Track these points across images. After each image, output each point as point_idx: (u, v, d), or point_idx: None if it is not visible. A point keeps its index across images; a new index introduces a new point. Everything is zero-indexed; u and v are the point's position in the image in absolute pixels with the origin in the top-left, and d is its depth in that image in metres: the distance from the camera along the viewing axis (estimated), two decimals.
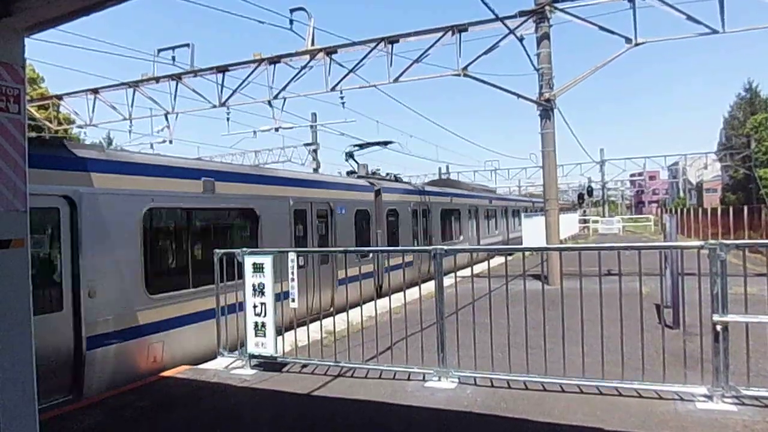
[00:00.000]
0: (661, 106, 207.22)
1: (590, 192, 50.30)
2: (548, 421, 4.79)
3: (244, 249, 7.07)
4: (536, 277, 11.21)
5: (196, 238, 8.41)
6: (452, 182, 27.07)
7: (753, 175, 43.93)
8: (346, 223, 12.37)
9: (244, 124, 36.33)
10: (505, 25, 12.61)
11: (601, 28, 13.16)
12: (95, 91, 17.94)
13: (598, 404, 5.12)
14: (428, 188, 18.82)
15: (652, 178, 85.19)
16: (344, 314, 7.02)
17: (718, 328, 4.95)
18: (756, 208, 22.48)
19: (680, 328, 6.80)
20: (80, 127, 21.42)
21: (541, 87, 13.81)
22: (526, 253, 7.38)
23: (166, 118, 17.76)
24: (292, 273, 6.90)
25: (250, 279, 6.86)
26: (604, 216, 51.47)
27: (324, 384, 6.18)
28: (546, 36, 13.62)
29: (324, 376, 6.45)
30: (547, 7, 13.22)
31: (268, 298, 6.76)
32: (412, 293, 7.54)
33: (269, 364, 6.90)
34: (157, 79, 16.82)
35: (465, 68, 13.28)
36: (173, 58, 16.05)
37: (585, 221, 47.75)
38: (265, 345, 6.81)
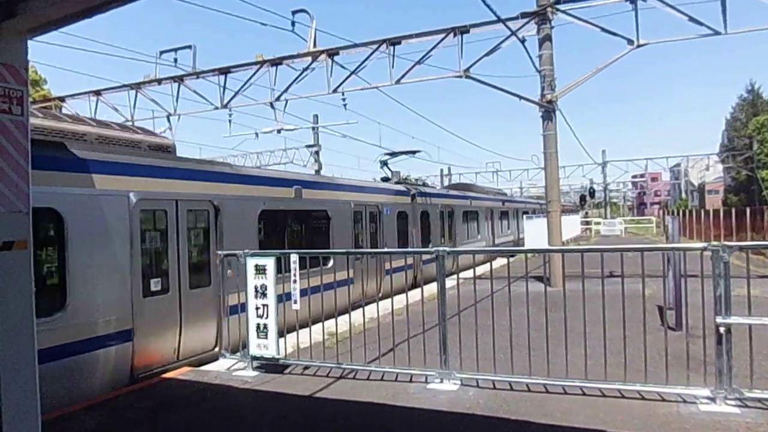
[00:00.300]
0: (663, 106, 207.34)
1: (592, 193, 50.30)
2: (551, 423, 4.77)
3: (246, 250, 7.09)
4: (538, 278, 11.23)
5: (290, 232, 10.69)
6: (469, 186, 28.76)
7: (755, 176, 43.83)
8: (391, 223, 14.31)
9: (246, 126, 36.49)
10: (507, 27, 12.61)
11: (603, 29, 13.16)
12: (97, 92, 18.00)
13: (600, 406, 5.11)
14: (452, 192, 21.17)
15: (654, 179, 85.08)
16: (346, 316, 7.03)
17: (721, 330, 4.93)
18: (758, 210, 22.45)
19: (683, 330, 6.79)
20: None
21: (542, 88, 13.80)
22: (528, 255, 7.36)
23: (168, 120, 17.81)
24: (295, 274, 6.89)
25: (252, 280, 6.86)
26: (606, 218, 51.39)
27: (326, 386, 6.18)
28: (548, 38, 13.60)
29: (326, 378, 6.44)
30: (549, 9, 13.22)
31: (270, 300, 6.76)
32: (414, 295, 7.53)
33: (271, 366, 6.90)
34: (159, 81, 16.88)
35: (467, 70, 13.29)
36: (175, 60, 16.12)
37: (587, 223, 47.70)
38: (267, 347, 6.81)
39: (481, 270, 11.26)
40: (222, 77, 16.19)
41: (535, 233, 18.97)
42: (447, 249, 6.28)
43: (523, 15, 13.29)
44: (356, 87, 15.02)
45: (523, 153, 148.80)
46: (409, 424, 5.05)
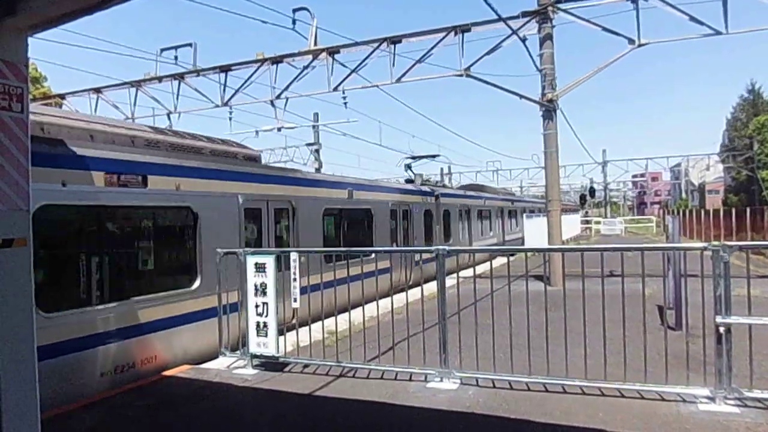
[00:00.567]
0: (664, 106, 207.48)
1: (592, 193, 50.29)
2: (550, 422, 4.77)
3: (246, 249, 7.12)
4: (538, 277, 11.23)
5: (344, 226, 12.50)
6: (482, 187, 29.59)
7: (755, 176, 43.82)
8: (419, 220, 16.19)
9: (246, 124, 36.36)
10: (508, 26, 12.59)
11: (604, 29, 13.14)
12: (98, 90, 17.98)
13: (600, 405, 5.11)
14: (469, 192, 22.98)
15: (654, 179, 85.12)
16: (346, 314, 7.03)
17: (721, 329, 4.93)
18: (758, 210, 22.46)
19: (683, 329, 6.79)
20: None
21: (543, 88, 13.79)
22: (528, 254, 7.36)
23: (169, 118, 17.77)
24: (295, 272, 6.90)
25: (252, 279, 6.86)
26: (606, 217, 51.41)
27: (326, 384, 6.18)
28: (549, 37, 13.59)
29: (326, 377, 6.44)
30: (550, 8, 13.20)
31: (270, 298, 6.76)
32: (414, 293, 7.53)
33: (271, 364, 6.90)
34: (159, 79, 16.85)
35: (467, 69, 13.27)
36: (176, 58, 16.08)
37: (587, 222, 47.70)
38: (267, 345, 6.81)
39: (481, 269, 11.30)
40: (222, 75, 16.17)
41: (535, 232, 18.98)
42: (447, 248, 6.29)
43: (524, 14, 13.28)
44: (357, 85, 15.01)
45: (523, 152, 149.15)
46: (408, 423, 5.05)
